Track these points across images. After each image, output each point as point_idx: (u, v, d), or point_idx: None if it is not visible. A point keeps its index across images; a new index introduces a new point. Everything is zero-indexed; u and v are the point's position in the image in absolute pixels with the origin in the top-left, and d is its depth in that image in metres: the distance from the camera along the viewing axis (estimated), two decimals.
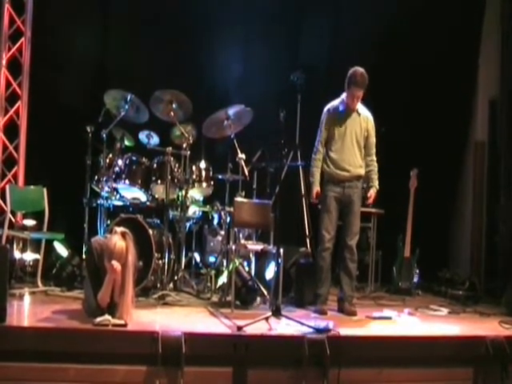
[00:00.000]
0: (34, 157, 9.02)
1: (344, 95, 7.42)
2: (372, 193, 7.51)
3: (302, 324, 6.13)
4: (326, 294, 7.44)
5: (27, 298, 7.32)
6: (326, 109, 7.50)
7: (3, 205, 8.60)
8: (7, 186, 8.25)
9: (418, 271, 8.80)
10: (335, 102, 7.49)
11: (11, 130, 9.02)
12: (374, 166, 7.56)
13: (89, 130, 8.04)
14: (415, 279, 8.80)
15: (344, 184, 7.37)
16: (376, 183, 7.53)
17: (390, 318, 7.11)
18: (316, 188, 7.43)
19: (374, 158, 7.56)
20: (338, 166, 7.37)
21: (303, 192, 8.61)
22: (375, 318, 7.07)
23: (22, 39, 9.04)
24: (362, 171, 7.46)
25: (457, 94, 9.66)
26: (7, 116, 9.00)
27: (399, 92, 9.44)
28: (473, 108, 9.87)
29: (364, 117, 7.48)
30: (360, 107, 7.47)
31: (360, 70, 7.30)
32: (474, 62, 9.75)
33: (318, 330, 5.94)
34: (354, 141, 7.40)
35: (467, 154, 9.91)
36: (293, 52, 9.48)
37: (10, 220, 8.14)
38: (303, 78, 8.71)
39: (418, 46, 9.47)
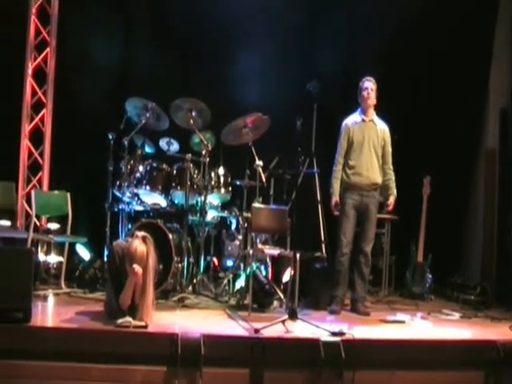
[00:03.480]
0: (59, 163, 9.06)
1: (359, 109, 7.69)
2: (392, 200, 7.67)
3: (318, 327, 6.12)
4: (342, 296, 7.56)
5: (51, 299, 7.36)
6: (344, 123, 7.74)
7: (28, 209, 8.65)
8: (32, 191, 8.31)
9: (430, 276, 8.76)
10: (352, 115, 7.74)
11: (36, 137, 9.08)
12: (392, 175, 7.73)
13: (111, 137, 8.04)
14: (428, 284, 8.76)
15: (362, 192, 7.55)
16: (394, 191, 7.71)
17: (403, 322, 7.10)
18: (335, 198, 7.59)
19: (391, 167, 7.74)
20: (356, 172, 7.56)
21: (319, 198, 8.59)
22: (389, 322, 7.05)
23: (48, 49, 9.11)
24: (379, 179, 7.62)
25: (468, 103, 9.61)
26: (33, 123, 9.05)
27: (412, 101, 9.41)
28: (484, 116, 9.81)
29: (380, 127, 7.71)
30: (376, 119, 7.71)
31: None
32: (485, 70, 9.70)
33: (333, 333, 5.93)
34: (371, 148, 7.60)
35: (479, 162, 9.85)
36: (309, 61, 9.45)
37: (35, 224, 8.22)
38: (319, 87, 8.69)
39: (430, 54, 9.43)
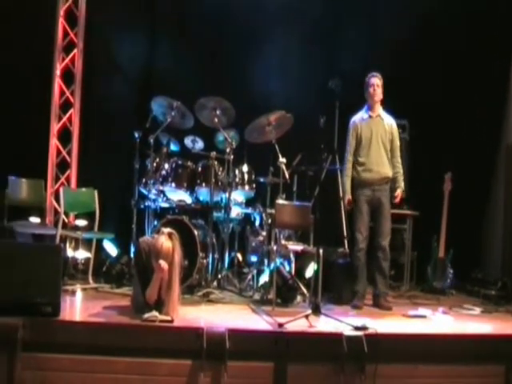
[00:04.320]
0: (86, 161, 9.11)
1: (366, 105, 7.68)
2: (399, 193, 7.63)
3: (341, 321, 6.08)
4: (362, 291, 7.53)
5: (79, 294, 7.38)
6: (351, 120, 7.74)
7: (57, 206, 8.72)
8: (61, 189, 8.37)
9: (451, 271, 8.70)
10: (359, 113, 7.73)
11: (64, 136, 9.16)
12: (400, 168, 7.70)
13: (137, 136, 8.05)
14: (449, 279, 8.70)
15: (373, 187, 7.53)
16: (402, 184, 7.68)
17: (424, 317, 7.04)
18: (348, 196, 7.59)
19: (399, 160, 7.72)
20: (366, 168, 7.56)
21: (341, 194, 8.57)
22: (411, 316, 7.00)
23: (75, 50, 9.18)
24: (389, 173, 7.60)
25: (488, 98, 9.52)
26: (61, 123, 9.12)
27: (433, 97, 9.34)
28: (504, 112, 9.71)
29: (388, 121, 7.68)
30: (383, 114, 7.69)
31: None
32: (505, 65, 9.60)
33: (356, 328, 5.88)
34: (380, 143, 7.58)
35: (499, 158, 9.75)
36: (331, 59, 9.42)
37: (64, 220, 8.24)
38: (341, 85, 8.65)
39: (451, 51, 9.36)
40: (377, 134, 7.56)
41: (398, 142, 7.71)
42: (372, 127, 7.58)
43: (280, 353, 5.65)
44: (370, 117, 7.63)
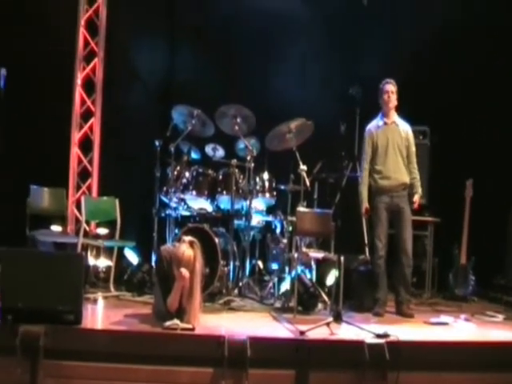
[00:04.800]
0: (107, 169, 9.16)
1: (380, 113, 7.68)
2: (417, 198, 7.57)
3: (362, 329, 6.07)
4: (383, 298, 7.49)
5: (100, 302, 7.41)
6: (367, 128, 7.72)
7: (78, 215, 8.76)
8: (82, 197, 8.41)
9: (473, 278, 8.65)
10: (374, 121, 7.72)
11: (85, 145, 9.21)
12: (416, 174, 7.66)
13: (157, 144, 8.08)
14: (471, 286, 8.65)
15: (392, 194, 7.51)
16: (419, 190, 7.64)
17: (447, 324, 7.00)
18: (365, 205, 7.56)
19: (416, 166, 7.68)
20: (383, 176, 7.53)
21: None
22: (433, 324, 6.97)
23: (96, 60, 9.23)
24: (407, 179, 7.57)
25: (510, 103, 9.46)
26: (82, 131, 9.17)
27: (454, 102, 9.30)
28: None
29: (403, 128, 7.66)
30: (398, 120, 7.68)
31: None
32: None
33: (377, 335, 5.86)
34: (396, 150, 7.56)
35: None
36: (351, 66, 9.41)
37: (85, 229, 8.29)
38: (361, 92, 8.65)
39: (473, 56, 9.32)
40: (393, 141, 7.54)
41: (413, 148, 7.68)
42: (388, 134, 7.57)
43: (301, 360, 5.64)
44: (386, 124, 7.62)
